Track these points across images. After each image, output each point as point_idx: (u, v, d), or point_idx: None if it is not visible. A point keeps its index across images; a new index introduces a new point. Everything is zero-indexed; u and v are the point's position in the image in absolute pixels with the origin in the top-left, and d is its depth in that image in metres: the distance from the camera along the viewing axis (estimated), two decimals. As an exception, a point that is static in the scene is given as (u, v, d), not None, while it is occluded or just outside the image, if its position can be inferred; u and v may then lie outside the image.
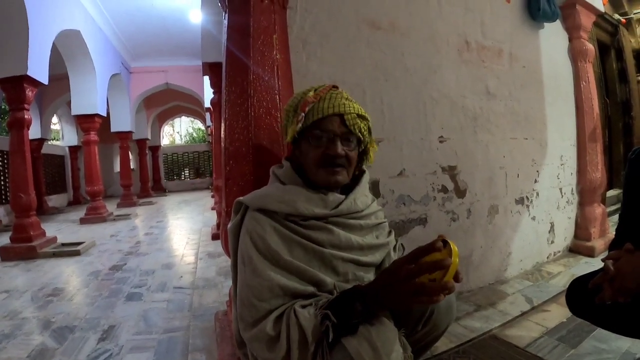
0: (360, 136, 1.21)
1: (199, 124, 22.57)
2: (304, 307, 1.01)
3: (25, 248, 4.79)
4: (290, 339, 0.96)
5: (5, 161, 8.67)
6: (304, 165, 1.23)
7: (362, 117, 1.22)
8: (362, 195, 1.28)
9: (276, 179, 1.28)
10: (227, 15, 1.83)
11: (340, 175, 1.18)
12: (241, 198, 1.22)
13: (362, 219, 1.25)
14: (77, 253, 4.79)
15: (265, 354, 1.01)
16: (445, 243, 0.91)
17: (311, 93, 1.24)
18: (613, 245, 1.43)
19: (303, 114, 1.20)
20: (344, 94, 1.24)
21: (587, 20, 3.52)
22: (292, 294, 1.06)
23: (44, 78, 5.25)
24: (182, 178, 17.84)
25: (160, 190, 15.55)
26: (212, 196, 10.37)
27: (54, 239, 5.40)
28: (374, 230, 1.29)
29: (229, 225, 1.24)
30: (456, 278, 0.88)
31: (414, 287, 0.85)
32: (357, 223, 1.23)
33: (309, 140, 1.20)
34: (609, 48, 5.54)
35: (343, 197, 1.22)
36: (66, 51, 7.09)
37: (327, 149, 1.17)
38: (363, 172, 1.34)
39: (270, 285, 1.04)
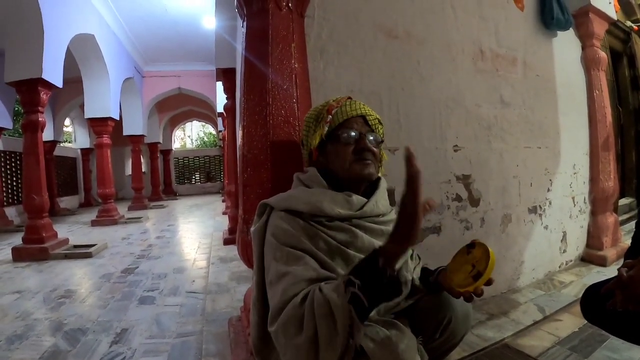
0: (381, 137, 1.30)
1: (210, 129, 22.68)
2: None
3: (37, 249, 4.83)
4: (315, 314, 0.92)
5: (19, 162, 8.79)
6: (333, 166, 1.25)
7: (379, 122, 1.31)
8: (382, 199, 1.29)
9: (300, 183, 1.30)
10: (244, 23, 1.84)
11: (372, 167, 1.23)
12: (266, 200, 1.24)
13: (383, 224, 1.26)
14: (89, 255, 4.83)
15: (293, 341, 0.97)
16: (481, 247, 0.95)
17: (332, 101, 1.31)
18: (629, 253, 1.43)
19: (330, 117, 1.26)
20: (360, 102, 1.32)
21: (599, 28, 3.52)
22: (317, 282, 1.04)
23: (58, 81, 5.31)
24: (193, 182, 17.95)
25: (171, 194, 15.64)
26: (223, 200, 10.43)
27: (66, 240, 5.44)
28: None
29: (252, 229, 1.25)
30: (488, 282, 0.94)
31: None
32: (378, 228, 1.24)
33: (338, 140, 1.24)
34: (621, 55, 5.50)
35: (366, 199, 1.24)
36: (80, 55, 7.17)
37: (357, 144, 1.22)
38: (379, 178, 1.35)
39: (297, 279, 1.04)
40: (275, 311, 1.04)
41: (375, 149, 1.23)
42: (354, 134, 1.23)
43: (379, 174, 1.34)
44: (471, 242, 1.08)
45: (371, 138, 1.24)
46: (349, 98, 1.33)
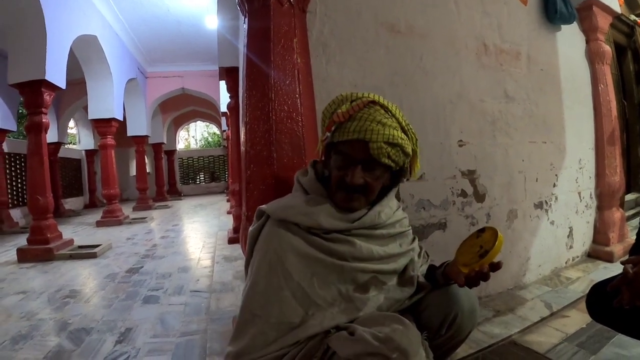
0: (389, 163, 1.13)
1: (214, 129, 22.76)
2: None
3: (42, 250, 4.84)
4: None
5: (23, 164, 8.83)
6: (330, 177, 1.22)
7: (392, 145, 1.11)
8: (386, 207, 1.25)
9: (300, 187, 1.27)
10: (246, 19, 1.83)
11: (356, 201, 1.16)
12: (264, 206, 1.23)
13: (384, 228, 1.24)
14: (93, 255, 4.84)
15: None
16: (490, 230, 0.94)
17: (344, 107, 1.16)
18: (634, 250, 1.41)
19: (328, 134, 1.19)
20: (380, 111, 1.14)
21: (603, 21, 3.49)
22: (285, 325, 1.10)
23: (61, 83, 5.33)
24: (198, 182, 17.95)
25: (176, 194, 15.67)
26: (228, 200, 10.43)
27: (71, 241, 5.46)
28: (397, 239, 1.28)
29: (250, 229, 1.25)
30: (496, 266, 0.92)
31: None
32: (379, 233, 1.22)
33: (333, 157, 1.19)
34: (625, 49, 5.46)
35: (366, 210, 1.21)
36: (83, 56, 7.19)
37: (345, 174, 1.13)
38: (391, 187, 1.28)
39: (268, 326, 1.10)
40: (235, 332, 1.15)
41: (371, 181, 1.14)
42: (344, 162, 1.14)
43: (407, 178, 1.30)
44: (482, 228, 1.07)
45: (369, 168, 1.12)
46: (370, 103, 1.16)
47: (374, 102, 1.17)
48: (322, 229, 1.15)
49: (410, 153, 1.19)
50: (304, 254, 1.13)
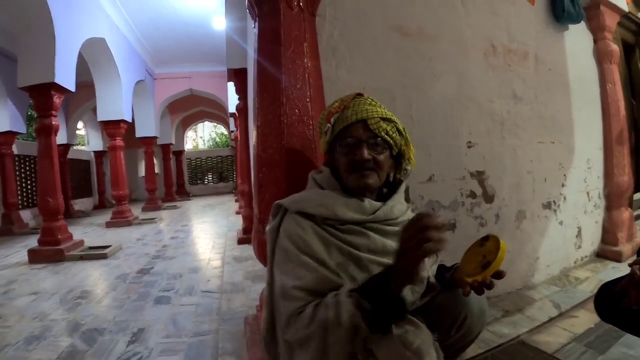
0: (388, 138, 1.22)
1: (222, 129, 22.83)
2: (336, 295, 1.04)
3: (53, 251, 4.89)
4: (328, 318, 0.98)
5: (33, 166, 8.92)
6: (339, 172, 1.26)
7: (387, 120, 1.23)
8: (398, 203, 1.29)
9: (315, 183, 1.31)
10: (256, 23, 1.85)
11: (370, 178, 1.20)
12: (280, 201, 1.25)
13: (397, 225, 1.26)
14: (104, 256, 4.88)
15: (301, 336, 1.04)
16: (494, 239, 0.95)
17: (336, 103, 1.28)
18: None
19: (329, 125, 1.25)
20: (368, 99, 1.26)
21: (611, 20, 3.48)
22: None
23: (71, 85, 5.37)
24: (206, 182, 18.04)
25: (184, 195, 15.75)
26: (236, 200, 10.45)
27: (81, 242, 5.50)
28: None
29: (267, 227, 1.27)
30: (499, 275, 0.92)
31: (419, 240, 0.89)
32: (392, 229, 1.24)
33: (338, 149, 1.24)
34: (633, 48, 5.41)
35: (379, 204, 1.24)
36: (92, 59, 7.25)
37: (354, 155, 1.19)
38: (400, 181, 1.35)
39: (306, 289, 1.08)
40: (285, 321, 1.09)
41: (378, 157, 1.20)
42: (350, 144, 1.20)
43: (408, 168, 1.34)
44: (485, 236, 1.09)
45: (373, 144, 1.20)
46: (357, 95, 1.29)
47: (360, 94, 1.30)
48: (338, 220, 1.18)
49: (403, 132, 1.28)
50: (324, 239, 1.15)
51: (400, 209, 1.29)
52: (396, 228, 1.25)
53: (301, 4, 1.77)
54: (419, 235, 0.88)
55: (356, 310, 0.96)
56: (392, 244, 1.22)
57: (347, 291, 1.02)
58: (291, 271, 1.11)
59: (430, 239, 0.87)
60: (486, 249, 1.09)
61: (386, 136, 1.21)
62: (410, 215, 1.35)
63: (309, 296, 1.07)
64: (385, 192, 1.32)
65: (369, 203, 1.22)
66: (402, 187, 1.34)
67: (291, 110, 1.67)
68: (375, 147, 1.20)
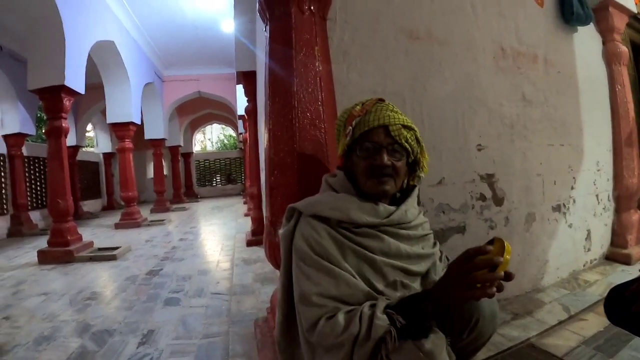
0: (407, 146, 1.23)
1: (230, 131, 22.85)
2: (372, 306, 1.04)
3: (62, 252, 4.94)
4: (360, 332, 0.99)
5: (42, 167, 9.00)
6: (355, 176, 1.26)
7: (407, 128, 1.24)
8: (411, 207, 1.31)
9: (329, 187, 1.32)
10: (267, 27, 1.86)
11: (387, 184, 1.21)
12: (294, 204, 1.26)
13: (410, 229, 1.28)
14: (113, 258, 4.92)
15: (330, 343, 1.05)
16: (498, 242, 0.96)
17: (358, 107, 1.29)
18: None
19: (351, 128, 1.25)
20: (390, 106, 1.27)
21: (620, 21, 3.47)
22: (347, 301, 1.09)
23: (80, 88, 5.43)
24: (214, 184, 18.14)
25: (193, 196, 15.86)
26: (245, 202, 10.49)
27: (91, 243, 5.56)
28: (420, 241, 1.31)
29: (281, 231, 1.28)
30: (508, 277, 0.92)
31: (469, 280, 0.90)
32: (405, 233, 1.26)
33: (357, 153, 1.24)
34: (642, 49, 5.40)
35: (393, 208, 1.25)
36: (101, 61, 7.33)
37: (373, 160, 1.20)
38: (414, 186, 1.36)
39: (333, 287, 1.10)
40: (311, 324, 1.09)
41: (396, 163, 1.22)
42: (371, 149, 1.21)
43: (421, 175, 1.36)
44: (491, 239, 1.09)
45: (393, 150, 1.22)
46: (379, 101, 1.30)
47: (382, 100, 1.31)
48: (352, 223, 1.19)
49: (420, 140, 1.30)
50: (339, 242, 1.17)
51: (413, 212, 1.31)
52: (409, 232, 1.27)
53: (312, 7, 1.78)
54: (469, 275, 0.91)
55: (390, 327, 0.96)
56: (405, 247, 1.24)
57: (383, 307, 1.02)
58: (310, 276, 1.12)
59: (481, 280, 0.89)
60: (492, 252, 1.10)
61: (405, 143, 1.23)
62: (422, 219, 1.37)
63: (332, 302, 1.08)
64: (398, 197, 1.33)
65: (383, 207, 1.23)
66: (416, 192, 1.35)
67: (303, 114, 1.68)
68: (394, 154, 1.22)
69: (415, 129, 1.27)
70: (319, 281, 1.10)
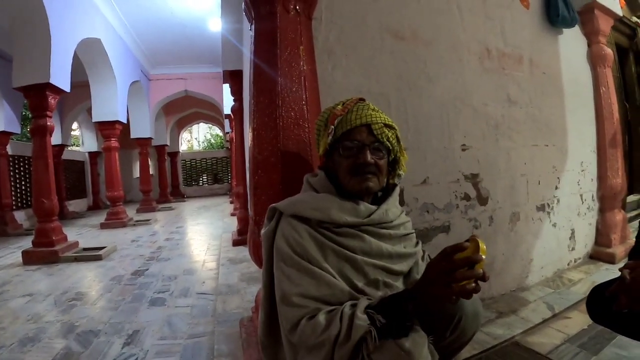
0: (389, 145, 1.25)
1: (217, 130, 22.80)
2: (353, 306, 1.04)
3: (47, 252, 4.87)
4: (340, 332, 0.99)
5: (27, 167, 8.87)
6: (337, 175, 1.26)
7: (389, 127, 1.26)
8: (393, 207, 1.31)
9: (310, 187, 1.32)
10: (252, 26, 1.86)
11: (371, 181, 1.22)
12: (275, 204, 1.26)
13: (392, 228, 1.28)
14: (98, 258, 4.86)
15: (311, 343, 1.05)
16: (474, 241, 0.96)
17: (339, 106, 1.30)
18: (633, 253, 1.43)
19: (332, 127, 1.26)
20: (371, 105, 1.29)
21: (605, 24, 3.51)
22: (328, 302, 1.09)
23: (66, 86, 5.36)
24: (201, 184, 18.03)
25: (179, 196, 15.72)
26: (231, 202, 10.45)
27: (76, 243, 5.49)
28: (402, 241, 1.32)
29: (262, 231, 1.27)
30: (482, 277, 0.93)
31: (448, 278, 0.91)
32: (387, 232, 1.26)
33: (340, 151, 1.24)
34: (627, 51, 5.47)
35: (374, 207, 1.25)
36: (87, 59, 7.24)
37: (357, 158, 1.21)
38: (395, 185, 1.37)
39: (313, 287, 1.09)
40: (292, 325, 1.09)
41: (379, 161, 1.23)
42: (354, 148, 1.22)
43: (401, 173, 1.36)
44: (468, 238, 1.10)
45: (375, 148, 1.23)
46: (360, 100, 1.32)
47: (362, 99, 1.34)
48: (333, 223, 1.19)
49: (400, 139, 1.31)
50: (320, 243, 1.16)
51: (394, 212, 1.31)
52: (391, 231, 1.27)
53: (298, 7, 1.78)
54: (448, 274, 0.91)
55: (370, 327, 0.96)
56: (387, 246, 1.24)
57: (364, 307, 1.02)
58: (291, 277, 1.12)
59: (460, 279, 0.90)
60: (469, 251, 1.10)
61: (387, 142, 1.24)
62: (404, 219, 1.37)
63: (313, 303, 1.08)
64: (379, 196, 1.34)
65: (364, 206, 1.23)
66: (397, 191, 1.36)
67: (287, 113, 1.68)
68: (376, 152, 1.23)
69: (396, 127, 1.29)
70: (300, 282, 1.10)
